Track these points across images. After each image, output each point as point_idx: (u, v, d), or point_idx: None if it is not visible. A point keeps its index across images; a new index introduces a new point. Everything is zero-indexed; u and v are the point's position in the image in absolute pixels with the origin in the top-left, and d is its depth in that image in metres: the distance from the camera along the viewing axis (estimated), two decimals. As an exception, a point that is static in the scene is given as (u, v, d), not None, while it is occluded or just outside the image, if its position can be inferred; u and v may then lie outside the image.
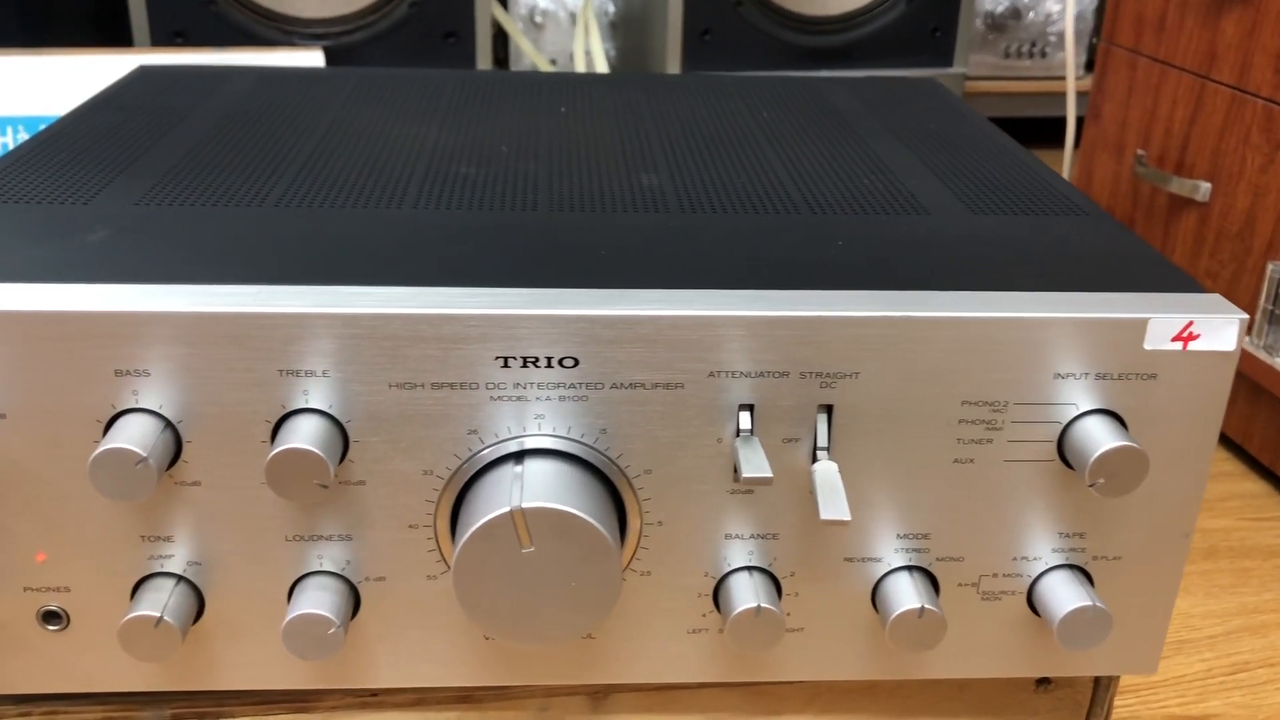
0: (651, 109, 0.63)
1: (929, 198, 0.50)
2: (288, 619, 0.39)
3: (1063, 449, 0.41)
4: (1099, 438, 0.39)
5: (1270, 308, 0.93)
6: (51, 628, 0.41)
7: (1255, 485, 0.96)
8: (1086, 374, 0.40)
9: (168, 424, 0.38)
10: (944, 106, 0.66)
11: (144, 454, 0.36)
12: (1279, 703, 0.71)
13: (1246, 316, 0.40)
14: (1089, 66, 1.89)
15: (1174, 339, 0.39)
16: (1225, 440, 1.00)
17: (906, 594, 0.41)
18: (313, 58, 1.28)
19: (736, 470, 0.39)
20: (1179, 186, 1.08)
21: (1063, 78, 1.84)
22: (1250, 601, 0.80)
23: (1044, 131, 1.73)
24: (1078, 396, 0.40)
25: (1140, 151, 1.18)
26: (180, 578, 0.41)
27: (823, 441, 0.40)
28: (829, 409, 0.40)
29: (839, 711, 0.48)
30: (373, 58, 1.33)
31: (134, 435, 0.37)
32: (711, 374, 0.39)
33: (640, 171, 0.52)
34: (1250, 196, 0.97)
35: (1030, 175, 0.54)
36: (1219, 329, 0.39)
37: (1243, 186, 0.98)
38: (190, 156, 0.52)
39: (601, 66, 1.46)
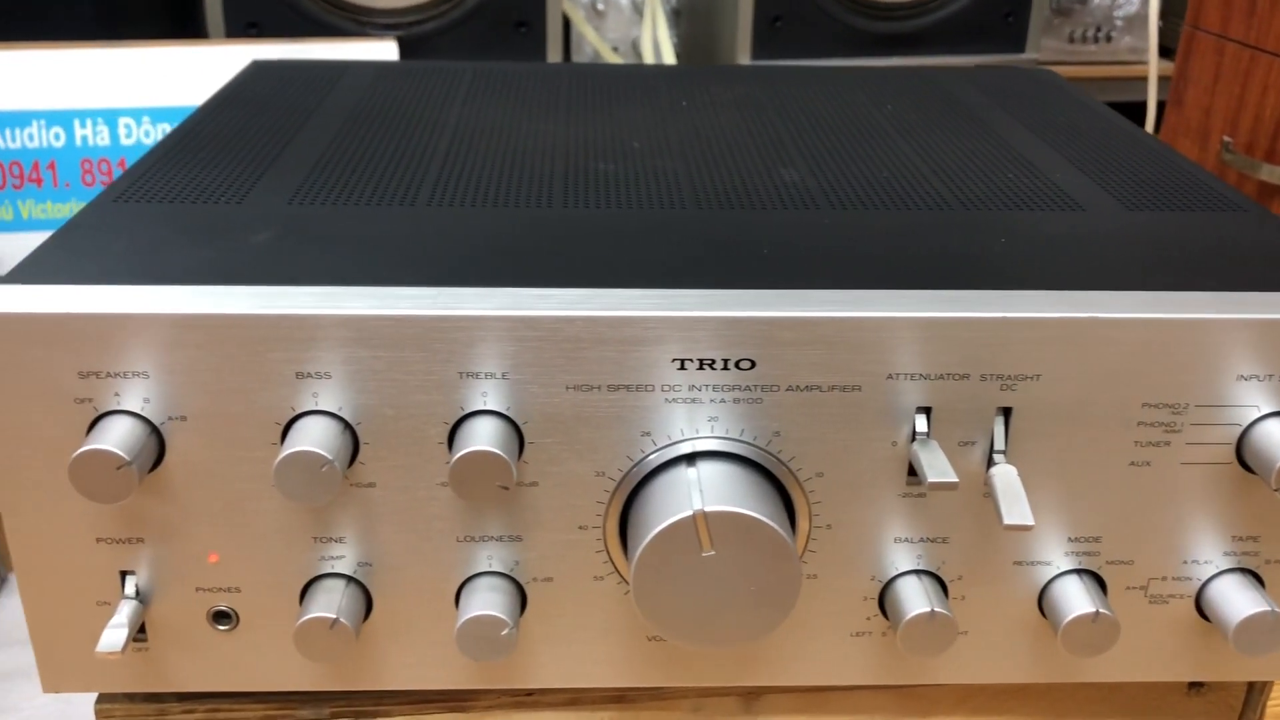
0: (770, 102, 0.62)
1: (1079, 193, 0.49)
2: (462, 620, 0.39)
3: (1242, 451, 0.40)
4: (1285, 441, 0.38)
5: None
6: (221, 627, 0.41)
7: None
8: (1270, 375, 0.39)
9: (346, 426, 0.38)
10: (1066, 97, 0.65)
11: (330, 458, 0.36)
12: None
13: None
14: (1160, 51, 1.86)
15: (1362, 340, 0.39)
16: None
17: (1079, 598, 0.41)
18: (386, 48, 1.28)
19: (916, 474, 0.39)
20: (1269, 174, 1.06)
21: (1129, 62, 1.81)
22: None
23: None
24: (1259, 399, 0.39)
25: (1227, 138, 1.16)
26: (350, 578, 0.41)
27: (1000, 445, 0.39)
28: (1007, 411, 0.39)
29: (990, 713, 0.47)
30: (444, 48, 1.33)
31: (318, 438, 0.37)
32: (890, 376, 0.38)
33: (780, 166, 0.52)
34: (1351, 185, 0.95)
35: (1175, 169, 0.53)
36: None
37: (1342, 175, 0.96)
38: (329, 153, 0.52)
39: (669, 56, 1.45)
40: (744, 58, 1.41)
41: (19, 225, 1.24)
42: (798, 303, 0.38)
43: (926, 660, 0.43)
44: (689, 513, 0.37)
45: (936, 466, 0.38)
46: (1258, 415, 0.39)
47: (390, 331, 0.37)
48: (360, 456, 0.39)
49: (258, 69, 0.66)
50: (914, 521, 0.41)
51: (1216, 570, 0.42)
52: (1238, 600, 0.41)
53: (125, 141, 1.23)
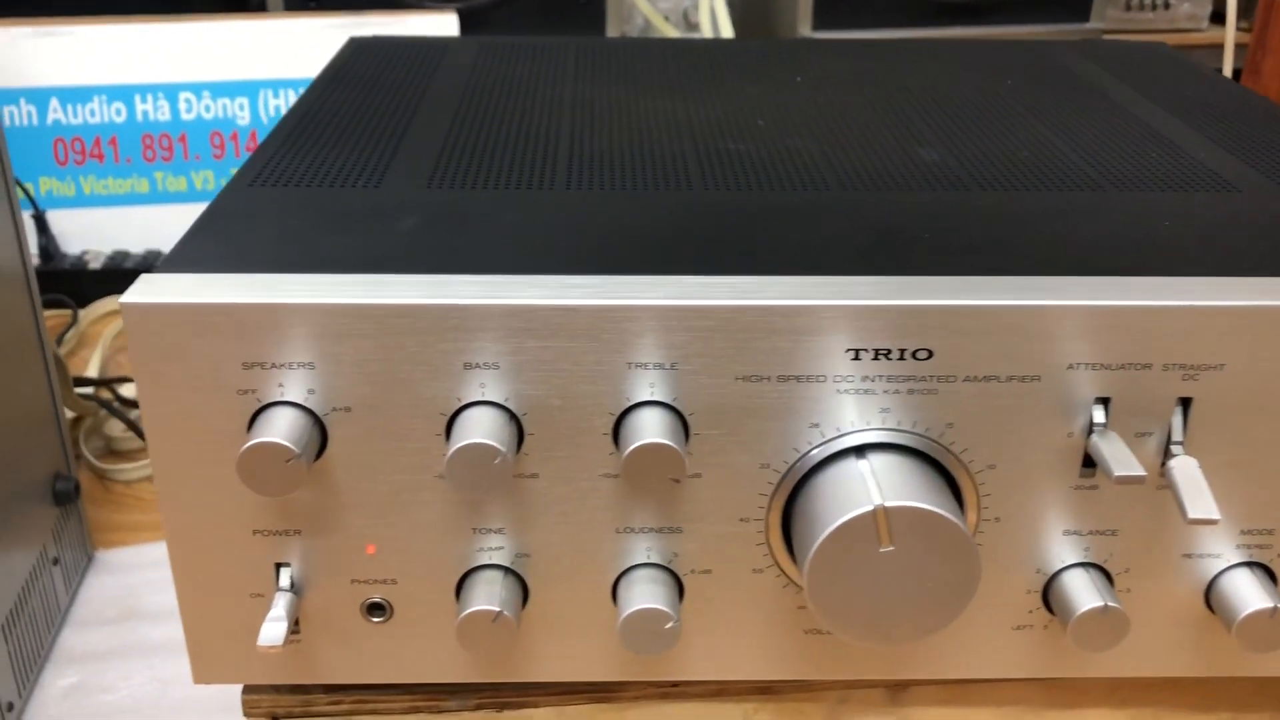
0: (883, 77, 0.61)
1: (1230, 173, 0.48)
2: (626, 614, 0.38)
3: None
4: None
5: None
6: (375, 619, 0.41)
7: None
8: None
9: (512, 417, 0.37)
10: (1185, 70, 0.63)
11: (503, 450, 0.35)
12: None
13: None
14: (1213, 19, 1.83)
15: None
16: None
17: (1253, 592, 0.40)
18: (447, 22, 1.26)
19: (1091, 466, 0.38)
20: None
21: (1188, 29, 1.78)
22: None
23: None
24: None
25: (1306, 109, 1.13)
26: (508, 570, 0.40)
27: (1178, 435, 0.38)
28: (1186, 401, 0.38)
29: (1140, 705, 0.47)
30: (503, 21, 1.31)
31: (489, 430, 0.36)
32: (1071, 366, 0.37)
33: (916, 145, 0.50)
34: None
35: (1322, 147, 0.51)
36: None
37: None
38: (453, 135, 0.51)
39: (727, 29, 1.43)
40: (805, 29, 1.39)
41: (80, 201, 1.23)
42: (978, 290, 0.37)
43: (1095, 655, 0.42)
44: (868, 508, 0.36)
45: (1122, 460, 0.36)
46: None
47: (561, 321, 0.36)
48: (524, 447, 0.38)
49: (356, 46, 0.65)
50: (1084, 514, 0.40)
51: (1391, 563, 0.41)
52: None
53: (186, 116, 1.23)
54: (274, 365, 0.36)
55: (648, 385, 0.37)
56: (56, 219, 1.23)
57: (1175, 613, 0.42)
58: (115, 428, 0.99)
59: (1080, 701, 0.46)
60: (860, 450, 0.38)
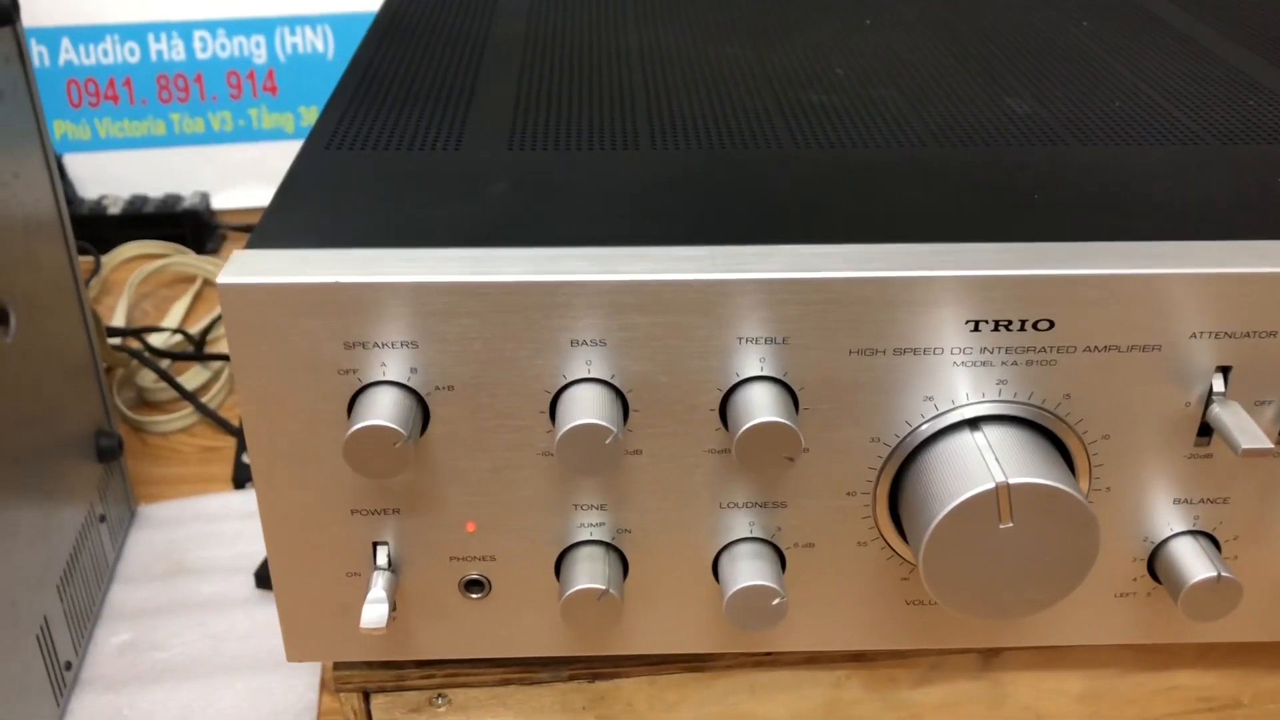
0: (956, 20, 0.59)
1: (1334, 122, 0.46)
2: (732, 590, 0.38)
3: None
4: None
5: None
6: (473, 596, 0.40)
7: None
8: None
9: (618, 394, 0.36)
10: (1264, 4, 0.61)
11: (615, 430, 0.34)
12: None
13: None
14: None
15: None
16: None
17: (1365, 559, 0.39)
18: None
19: (1207, 434, 0.37)
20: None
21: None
22: None
23: None
24: None
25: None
26: (609, 545, 0.39)
27: (1299, 403, 0.37)
28: (1309, 369, 0.37)
29: (1229, 666, 0.46)
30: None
31: (599, 409, 0.35)
32: (1194, 335, 0.36)
33: (1003, 95, 0.49)
34: None
35: None
36: None
37: None
38: (524, 90, 0.49)
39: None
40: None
41: (96, 144, 1.21)
42: (1100, 258, 0.35)
43: (1206, 623, 0.42)
44: (989, 485, 0.35)
45: (1248, 431, 0.36)
46: None
47: (672, 296, 0.35)
48: (629, 423, 0.37)
49: (405, -11, 0.62)
50: (1196, 482, 0.39)
51: None
52: None
53: (201, 55, 1.19)
54: (376, 345, 0.35)
55: (758, 360, 0.36)
56: (72, 163, 1.20)
57: (1279, 579, 0.41)
58: (146, 378, 0.98)
59: (1171, 664, 0.46)
60: (975, 423, 0.37)
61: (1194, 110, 0.47)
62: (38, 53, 1.17)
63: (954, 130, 0.45)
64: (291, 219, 0.38)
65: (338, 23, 1.21)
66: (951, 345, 0.36)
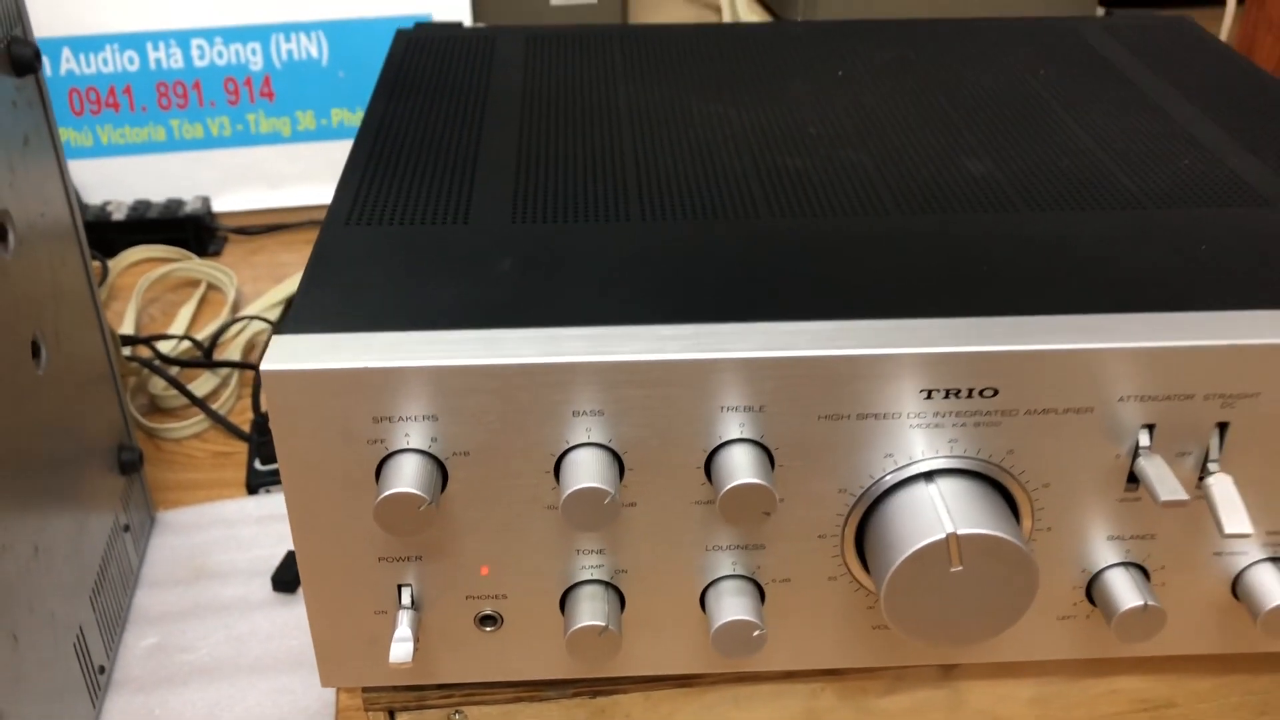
0: (924, 68, 0.63)
1: (1258, 181, 0.51)
2: (717, 625, 0.43)
3: None
4: None
5: None
6: (487, 629, 0.45)
7: None
8: None
9: (615, 456, 0.41)
10: (1208, 52, 0.65)
11: (612, 492, 0.39)
12: None
13: None
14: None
15: None
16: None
17: (1276, 586, 0.44)
18: (455, -42, 1.25)
19: (1144, 488, 0.42)
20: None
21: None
22: None
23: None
24: None
25: (1310, 39, 1.15)
26: (608, 584, 0.44)
27: (1215, 454, 0.42)
28: (1223, 425, 0.42)
29: (1164, 672, 0.52)
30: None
31: (597, 473, 0.40)
32: (1121, 399, 0.41)
33: (963, 156, 0.53)
34: None
35: (1343, 148, 0.54)
36: None
37: None
38: (523, 154, 0.53)
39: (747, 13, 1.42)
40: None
41: (99, 151, 1.24)
42: (1038, 333, 0.40)
43: (1135, 645, 0.47)
44: (941, 535, 0.40)
45: (1167, 484, 0.41)
46: None
47: (658, 373, 0.40)
48: (625, 480, 0.42)
49: (407, 41, 0.66)
50: (1126, 521, 0.44)
51: (1398, 554, 0.46)
52: None
53: (199, 63, 1.23)
54: (401, 418, 0.40)
55: (738, 425, 0.41)
56: (76, 169, 1.24)
57: (1203, 601, 0.47)
58: (157, 384, 1.02)
59: (1113, 670, 0.51)
60: (929, 475, 0.42)
61: (1134, 170, 0.52)
62: (40, 63, 1.20)
63: (915, 196, 0.50)
64: (322, 300, 0.42)
65: (331, 29, 1.24)
66: (908, 410, 0.41)
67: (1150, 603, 0.43)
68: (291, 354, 0.39)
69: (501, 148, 0.54)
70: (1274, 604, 0.44)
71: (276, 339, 0.40)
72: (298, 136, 1.27)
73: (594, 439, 0.41)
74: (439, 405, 0.40)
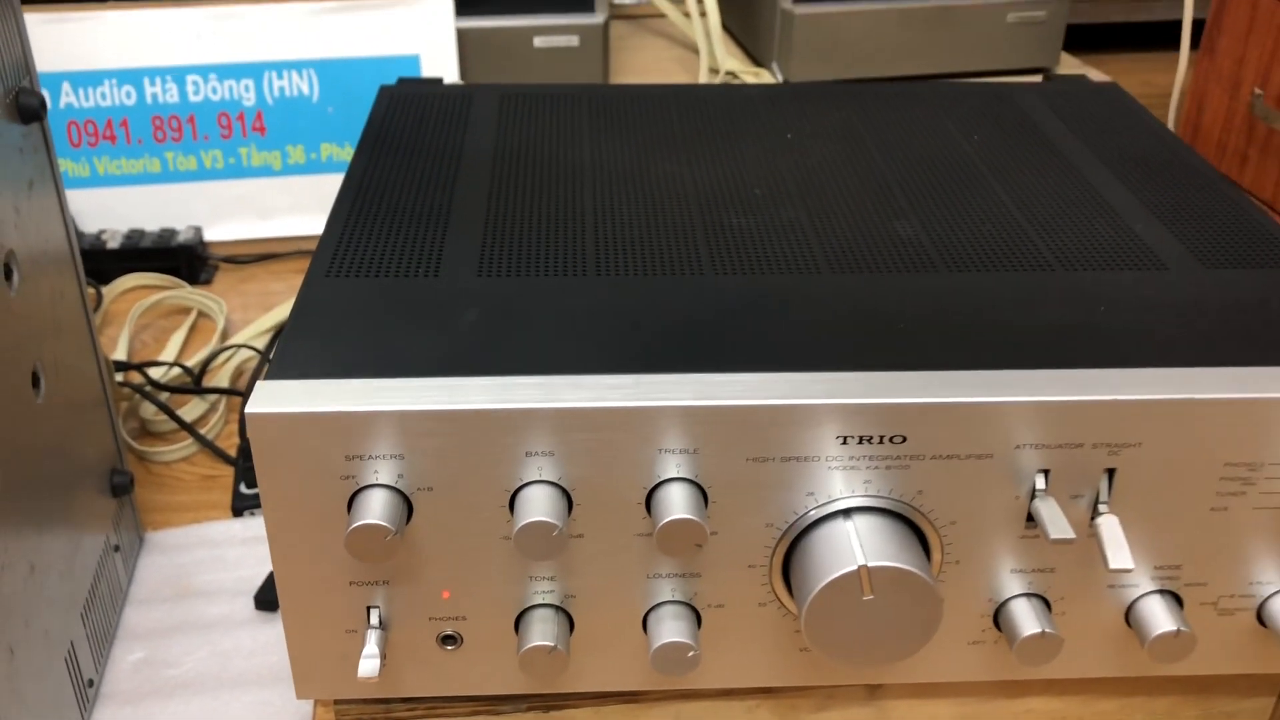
0: (866, 130, 0.68)
1: (1162, 248, 0.56)
2: (655, 646, 0.47)
3: (1304, 498, 0.48)
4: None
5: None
6: (448, 648, 0.50)
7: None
8: (1333, 439, 0.47)
9: (564, 492, 0.46)
10: (1133, 120, 0.71)
11: (560, 525, 0.44)
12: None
13: None
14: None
15: None
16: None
17: (1163, 615, 0.49)
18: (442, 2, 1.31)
19: (1039, 527, 0.47)
20: (1300, 133, 1.11)
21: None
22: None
23: (1134, 36, 1.73)
24: (1322, 456, 0.47)
25: (1258, 91, 1.21)
26: (558, 608, 0.49)
27: (1104, 497, 0.47)
28: (1111, 470, 0.47)
29: (1071, 694, 0.56)
30: (496, -3, 1.36)
31: (547, 508, 0.44)
32: (1018, 446, 0.46)
33: (893, 218, 0.58)
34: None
35: (1244, 216, 0.59)
36: None
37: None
38: (492, 212, 0.58)
39: (720, 52, 1.48)
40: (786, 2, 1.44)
41: (95, 181, 1.29)
42: (944, 387, 0.45)
43: (1037, 669, 0.51)
44: (853, 567, 0.45)
45: (1057, 524, 0.45)
46: (1320, 470, 0.47)
47: (603, 419, 0.44)
48: (573, 514, 0.46)
49: (390, 98, 0.71)
50: (1028, 556, 0.49)
51: (1275, 589, 0.50)
52: (1293, 616, 0.49)
53: (194, 98, 1.28)
54: (371, 456, 0.44)
55: (674, 465, 0.45)
56: (73, 198, 1.28)
57: (1100, 629, 0.51)
58: (148, 409, 1.06)
59: (1024, 692, 0.56)
60: (847, 512, 0.47)
61: (1049, 233, 0.57)
62: (41, 97, 1.25)
63: (844, 256, 0.55)
64: (302, 349, 0.47)
65: (322, 67, 1.29)
66: (826, 454, 0.46)
67: (1048, 630, 0.48)
68: (274, 398, 0.44)
69: (472, 205, 0.58)
70: (1159, 631, 0.48)
71: (261, 384, 0.44)
72: (288, 170, 1.31)
73: (545, 477, 0.45)
74: (405, 446, 0.44)
